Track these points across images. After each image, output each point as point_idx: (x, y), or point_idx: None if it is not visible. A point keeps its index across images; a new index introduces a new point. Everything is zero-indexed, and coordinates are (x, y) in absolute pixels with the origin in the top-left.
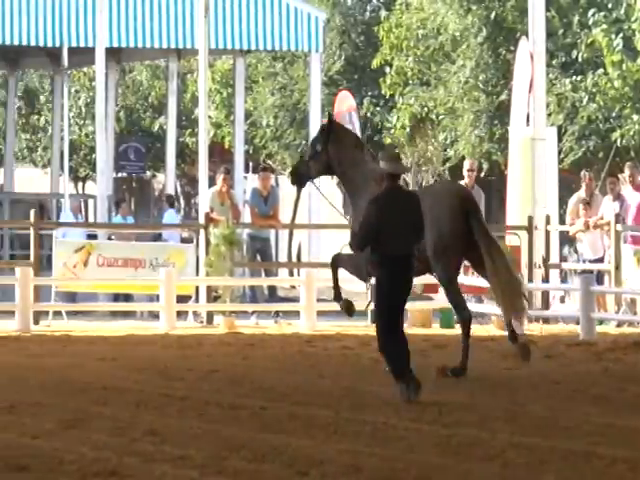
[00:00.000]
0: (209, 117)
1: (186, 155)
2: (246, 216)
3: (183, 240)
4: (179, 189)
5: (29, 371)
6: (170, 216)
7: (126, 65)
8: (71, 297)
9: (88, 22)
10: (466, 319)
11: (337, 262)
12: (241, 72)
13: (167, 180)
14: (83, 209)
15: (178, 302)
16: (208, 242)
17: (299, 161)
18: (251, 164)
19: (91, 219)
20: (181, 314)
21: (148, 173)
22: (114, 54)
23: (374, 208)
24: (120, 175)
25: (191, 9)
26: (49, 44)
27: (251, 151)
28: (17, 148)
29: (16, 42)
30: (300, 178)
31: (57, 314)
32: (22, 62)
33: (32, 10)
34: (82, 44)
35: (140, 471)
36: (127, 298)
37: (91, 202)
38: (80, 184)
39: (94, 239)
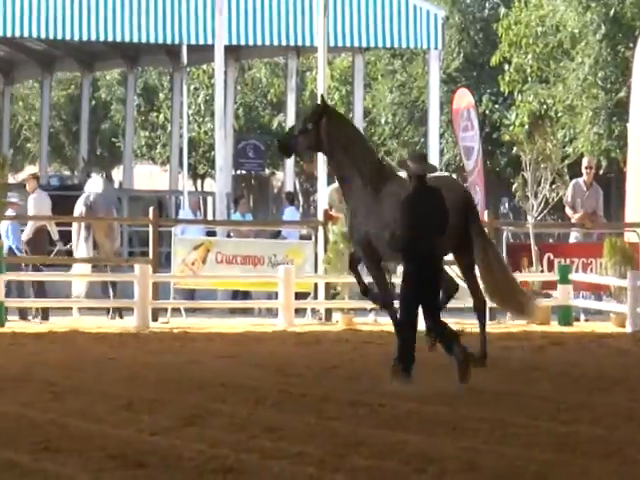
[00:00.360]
0: None
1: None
2: None
3: (302, 237)
4: (298, 186)
5: (147, 368)
6: (290, 213)
7: (245, 62)
8: (190, 294)
9: (207, 20)
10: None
11: (355, 261)
12: (360, 69)
13: (286, 177)
14: (202, 206)
15: (296, 299)
16: (327, 239)
17: (287, 134)
18: None
19: (210, 216)
20: (299, 311)
21: (267, 171)
22: (233, 52)
23: (408, 209)
24: (239, 172)
25: (310, 6)
26: (168, 41)
27: None
28: (136, 145)
29: (136, 39)
30: (287, 149)
31: (176, 311)
32: (142, 59)
33: (152, 8)
34: (201, 42)
35: (257, 468)
36: (245, 295)
37: (210, 199)
38: (199, 181)
39: (213, 236)
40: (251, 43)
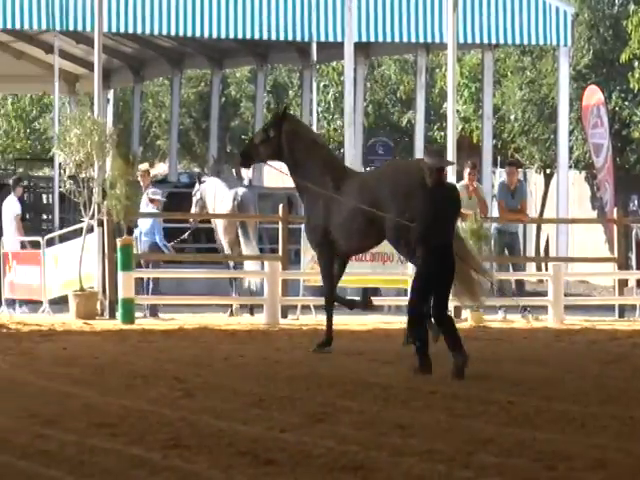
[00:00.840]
0: (457, 111)
1: None
2: (494, 210)
3: None
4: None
5: (277, 365)
6: None
7: (374, 60)
8: (319, 291)
9: (337, 17)
10: None
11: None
12: (489, 66)
13: None
14: None
15: None
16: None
17: (249, 144)
18: (499, 158)
19: None
20: None
21: None
22: (363, 49)
23: (426, 202)
24: (368, 170)
25: (440, 3)
26: (298, 39)
27: (499, 145)
28: None
29: (266, 37)
30: (248, 160)
31: (305, 308)
32: (271, 57)
33: (281, 5)
34: (331, 39)
35: (387, 465)
36: (374, 292)
37: None
38: None
39: None
40: (380, 40)
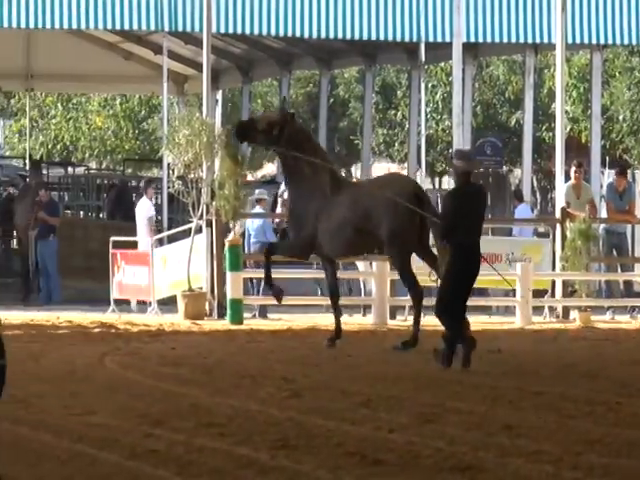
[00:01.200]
0: (566, 112)
1: (542, 150)
2: (602, 211)
3: (539, 235)
4: (535, 184)
5: (385, 365)
6: (522, 211)
7: (483, 60)
8: (426, 292)
9: (445, 17)
10: (418, 296)
11: (273, 251)
12: (598, 67)
13: (523, 175)
14: (439, 204)
15: (534, 297)
16: (564, 237)
17: (250, 123)
18: (607, 159)
19: None
20: (537, 309)
21: (504, 168)
22: (471, 49)
23: (452, 201)
24: (476, 170)
25: (548, 3)
26: (407, 39)
27: (607, 146)
28: (374, 143)
29: (374, 37)
30: (244, 137)
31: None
32: (380, 57)
33: (390, 5)
34: (439, 39)
35: (495, 465)
36: (481, 292)
37: None
38: (437, 179)
39: None
40: (489, 40)
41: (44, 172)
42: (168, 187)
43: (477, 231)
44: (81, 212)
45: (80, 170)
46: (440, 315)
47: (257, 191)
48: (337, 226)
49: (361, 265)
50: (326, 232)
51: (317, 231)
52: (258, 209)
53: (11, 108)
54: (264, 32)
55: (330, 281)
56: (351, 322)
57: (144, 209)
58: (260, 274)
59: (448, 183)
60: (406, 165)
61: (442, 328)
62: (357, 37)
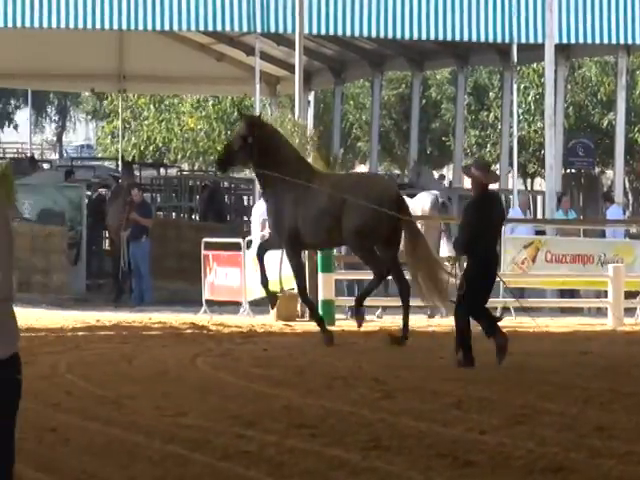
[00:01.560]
0: None
1: (635, 151)
2: None
3: (631, 236)
4: (627, 185)
5: (477, 367)
6: (614, 212)
7: (575, 61)
8: (519, 293)
9: (538, 18)
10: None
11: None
12: None
13: (615, 176)
14: (531, 205)
15: (626, 298)
16: None
17: (226, 149)
18: None
19: (539, 215)
20: (629, 310)
21: (596, 169)
22: (563, 50)
23: (473, 212)
24: (568, 171)
25: None
26: (499, 40)
27: None
28: (466, 144)
29: (466, 38)
30: (226, 165)
31: (504, 310)
32: (472, 58)
33: (482, 6)
34: (531, 40)
35: (587, 466)
36: (572, 294)
37: (539, 198)
38: (528, 180)
39: (542, 235)
40: (581, 41)
41: (136, 173)
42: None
43: (496, 240)
44: (173, 213)
45: (172, 171)
46: (476, 319)
47: None
48: (317, 215)
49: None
50: (306, 221)
51: (297, 221)
52: None
53: (104, 110)
54: (356, 33)
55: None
56: (445, 323)
57: (260, 210)
58: (353, 276)
59: (540, 184)
60: (498, 166)
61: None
62: (449, 38)
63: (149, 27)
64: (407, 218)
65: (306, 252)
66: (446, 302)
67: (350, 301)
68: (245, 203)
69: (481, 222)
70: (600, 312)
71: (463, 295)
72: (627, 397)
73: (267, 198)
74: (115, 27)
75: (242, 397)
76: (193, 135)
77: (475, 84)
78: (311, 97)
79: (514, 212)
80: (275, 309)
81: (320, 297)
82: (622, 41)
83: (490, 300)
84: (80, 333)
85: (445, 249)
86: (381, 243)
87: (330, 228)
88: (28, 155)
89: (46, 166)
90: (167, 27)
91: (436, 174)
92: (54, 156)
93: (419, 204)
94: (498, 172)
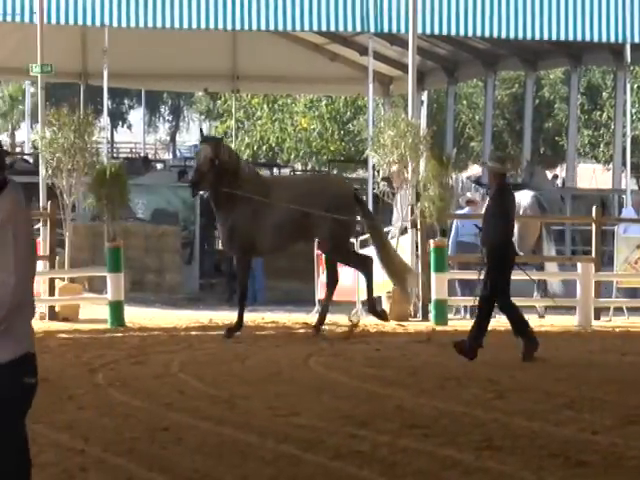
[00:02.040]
0: None
1: None
2: None
3: None
4: None
5: (589, 367)
6: None
7: None
8: (632, 293)
9: None
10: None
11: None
12: None
13: None
14: None
15: None
16: None
17: (196, 174)
18: None
19: None
20: None
21: None
22: None
23: (510, 202)
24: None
25: None
26: (612, 40)
27: None
28: (579, 144)
29: (579, 38)
30: (200, 188)
31: (618, 310)
32: (585, 58)
33: (595, 6)
34: None
35: None
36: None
37: None
38: None
39: None
40: None
41: None
42: (373, 188)
43: (512, 230)
44: None
45: (286, 171)
46: (504, 310)
47: (468, 193)
48: (276, 224)
49: (551, 266)
50: (264, 230)
51: (255, 237)
52: (467, 210)
53: (217, 110)
54: (469, 33)
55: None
56: (558, 323)
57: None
58: (466, 275)
59: None
60: (611, 166)
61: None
62: (562, 38)
63: (262, 27)
64: (371, 222)
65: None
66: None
67: (464, 301)
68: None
69: (512, 212)
70: None
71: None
72: None
73: (226, 215)
74: (229, 27)
75: (355, 397)
76: (306, 135)
77: (588, 84)
78: (424, 97)
79: (627, 212)
80: (387, 309)
81: (433, 296)
82: None
83: (603, 300)
84: (193, 333)
85: (546, 247)
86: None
87: (290, 237)
88: (141, 155)
89: (159, 166)
90: (280, 27)
91: (549, 174)
92: (167, 156)
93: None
94: (611, 171)
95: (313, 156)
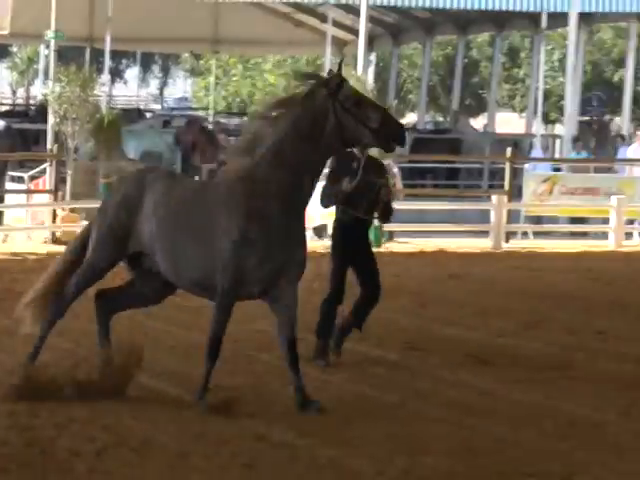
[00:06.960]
0: None
1: None
2: None
3: None
4: (632, 130)
5: (498, 281)
6: (624, 152)
7: (594, 26)
8: (537, 220)
9: None
10: None
11: None
12: None
13: (623, 122)
14: (550, 147)
15: (625, 224)
16: None
17: None
18: None
19: (557, 155)
20: (628, 234)
21: (607, 117)
22: (585, 18)
23: None
24: (583, 118)
25: None
26: (531, 9)
27: None
28: (499, 96)
29: (504, 7)
30: None
31: (524, 234)
32: (507, 24)
33: None
34: (559, 9)
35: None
36: (582, 221)
37: (558, 141)
38: (549, 126)
39: (558, 172)
40: (600, 10)
41: (224, 121)
42: None
43: None
44: None
45: None
46: None
47: None
48: None
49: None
50: None
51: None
52: None
53: (200, 68)
54: (412, 4)
55: None
56: (474, 245)
57: None
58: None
59: (559, 129)
60: (525, 114)
61: None
62: (490, 7)
63: None
64: None
65: None
66: None
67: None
68: None
69: None
70: (604, 236)
71: None
72: (627, 305)
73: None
74: None
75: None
76: (273, 90)
77: (510, 46)
78: (372, 57)
79: (536, 152)
80: None
81: None
82: (634, 10)
83: (511, 226)
84: None
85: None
86: None
87: None
88: (135, 107)
89: (149, 115)
90: None
91: (474, 121)
92: (157, 106)
93: None
94: (524, 119)
95: None
